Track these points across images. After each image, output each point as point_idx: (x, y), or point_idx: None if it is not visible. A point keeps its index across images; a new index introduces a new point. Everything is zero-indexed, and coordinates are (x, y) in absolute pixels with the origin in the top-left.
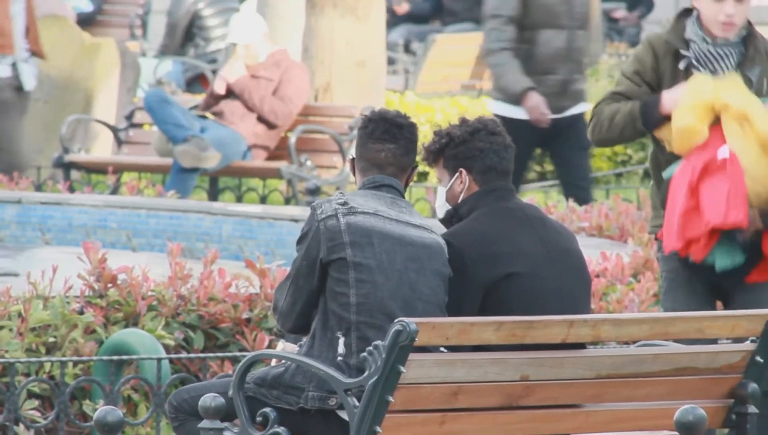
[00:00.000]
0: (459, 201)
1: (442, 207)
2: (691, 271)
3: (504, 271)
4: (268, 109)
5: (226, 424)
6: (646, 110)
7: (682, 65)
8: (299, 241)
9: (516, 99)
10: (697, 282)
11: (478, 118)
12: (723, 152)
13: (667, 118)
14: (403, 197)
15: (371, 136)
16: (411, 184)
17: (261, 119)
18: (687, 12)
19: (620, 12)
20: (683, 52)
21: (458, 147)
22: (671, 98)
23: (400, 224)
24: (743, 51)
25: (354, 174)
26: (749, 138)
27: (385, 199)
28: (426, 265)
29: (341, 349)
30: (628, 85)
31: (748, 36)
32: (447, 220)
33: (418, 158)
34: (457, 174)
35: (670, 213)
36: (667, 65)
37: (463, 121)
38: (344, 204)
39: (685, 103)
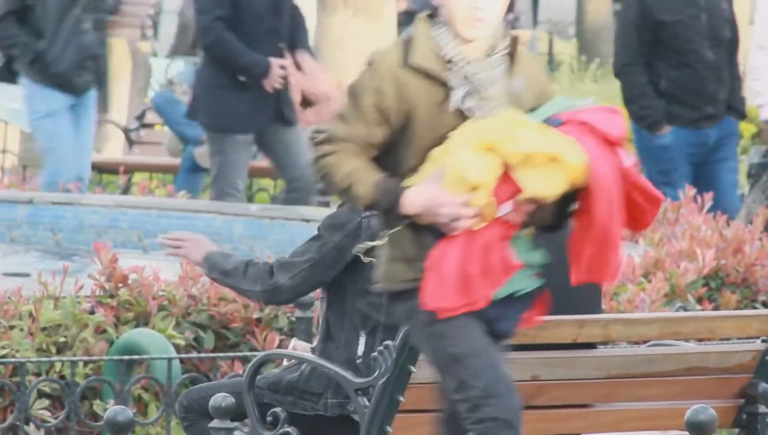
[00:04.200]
0: None
1: None
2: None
3: None
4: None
5: (236, 423)
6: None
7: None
8: (331, 229)
9: None
10: None
11: None
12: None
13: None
14: None
15: None
16: None
17: None
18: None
19: None
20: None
21: None
22: (416, 199)
23: None
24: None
25: None
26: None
27: None
28: None
29: (361, 348)
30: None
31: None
32: None
33: None
34: None
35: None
36: (423, 99)
37: None
38: None
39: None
